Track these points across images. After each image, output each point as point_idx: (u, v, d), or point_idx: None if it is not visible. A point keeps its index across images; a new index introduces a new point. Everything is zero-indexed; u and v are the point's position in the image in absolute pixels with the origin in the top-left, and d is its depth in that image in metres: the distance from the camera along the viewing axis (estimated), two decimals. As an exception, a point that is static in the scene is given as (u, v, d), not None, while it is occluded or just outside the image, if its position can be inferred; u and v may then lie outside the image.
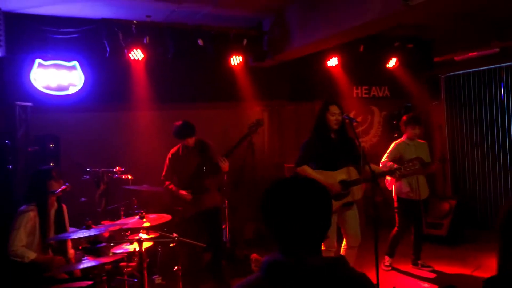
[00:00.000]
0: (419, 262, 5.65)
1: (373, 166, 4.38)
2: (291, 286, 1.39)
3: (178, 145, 5.18)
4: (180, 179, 5.09)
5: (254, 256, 5.84)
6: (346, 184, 4.42)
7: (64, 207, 4.23)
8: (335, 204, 4.35)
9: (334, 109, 4.47)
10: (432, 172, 6.03)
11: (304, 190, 1.51)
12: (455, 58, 7.66)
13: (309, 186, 1.52)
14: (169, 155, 5.16)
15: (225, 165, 4.93)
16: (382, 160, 5.49)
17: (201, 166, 5.04)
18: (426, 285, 5.14)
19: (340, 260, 1.46)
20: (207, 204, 5.03)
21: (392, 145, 5.68)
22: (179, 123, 5.02)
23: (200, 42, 6.22)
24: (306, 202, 1.48)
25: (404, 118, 5.71)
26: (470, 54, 7.38)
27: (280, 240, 1.49)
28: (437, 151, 8.28)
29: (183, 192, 4.96)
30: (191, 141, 5.03)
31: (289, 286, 1.39)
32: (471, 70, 7.77)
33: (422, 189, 5.53)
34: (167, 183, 5.08)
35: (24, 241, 3.78)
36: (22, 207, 3.91)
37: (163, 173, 5.13)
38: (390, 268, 5.67)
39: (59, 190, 3.98)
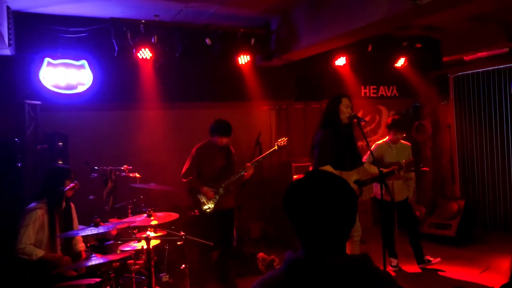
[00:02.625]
0: (424, 259, 5.61)
1: (373, 167, 4.38)
2: (315, 285, 1.36)
3: (205, 141, 5.20)
4: (201, 176, 5.13)
5: (261, 255, 5.85)
6: (359, 184, 4.40)
7: (72, 205, 4.25)
8: None
9: (346, 101, 4.42)
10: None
11: (331, 186, 1.45)
12: (464, 58, 7.61)
13: (336, 183, 1.47)
14: (194, 149, 5.18)
15: (250, 172, 5.01)
16: (364, 157, 5.40)
17: (225, 168, 5.12)
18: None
19: (365, 258, 1.42)
20: (224, 205, 5.09)
21: (374, 145, 5.66)
22: (220, 119, 5.07)
23: (207, 41, 6.23)
24: (332, 199, 1.42)
25: (389, 121, 5.69)
26: (479, 54, 7.34)
27: (303, 237, 1.45)
28: (446, 151, 8.24)
29: (207, 189, 5.00)
30: (225, 141, 5.05)
31: (313, 285, 1.36)
32: (480, 70, 7.71)
33: (398, 191, 5.48)
34: (190, 177, 5.10)
35: (32, 239, 3.80)
36: (31, 205, 3.93)
37: (186, 167, 5.14)
38: (397, 268, 5.65)
39: (68, 187, 4.00)
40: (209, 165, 5.10)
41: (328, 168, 4.26)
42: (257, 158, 5.15)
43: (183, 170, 5.14)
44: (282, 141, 5.24)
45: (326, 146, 4.34)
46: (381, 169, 4.39)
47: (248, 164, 5.03)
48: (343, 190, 1.46)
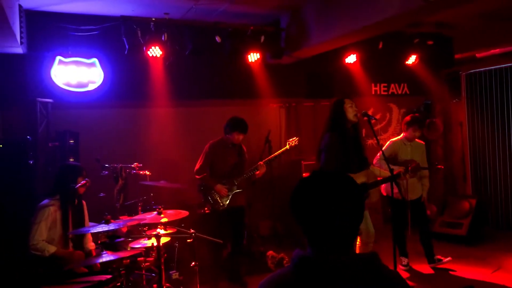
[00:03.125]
0: (435, 258, 5.57)
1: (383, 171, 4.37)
2: (323, 283, 1.36)
3: (218, 139, 5.26)
4: (215, 173, 5.17)
5: (270, 253, 5.85)
6: (365, 187, 4.37)
7: (84, 203, 4.28)
8: None
9: (349, 102, 4.46)
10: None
11: (337, 185, 1.46)
12: (476, 55, 7.53)
13: (342, 182, 1.47)
14: (208, 146, 5.23)
15: (263, 170, 5.09)
16: (377, 155, 5.39)
17: (237, 166, 5.18)
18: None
19: (373, 257, 1.42)
20: (236, 202, 5.15)
21: (388, 142, 5.62)
22: (237, 117, 5.16)
23: (217, 39, 6.23)
24: (339, 197, 1.43)
25: (408, 118, 5.62)
26: (492, 51, 7.25)
27: (310, 236, 1.45)
28: (457, 149, 8.16)
29: (221, 187, 5.04)
30: (241, 137, 5.12)
31: (320, 284, 1.36)
32: (492, 67, 7.63)
33: (411, 190, 5.45)
34: (204, 174, 5.14)
35: (44, 235, 3.83)
36: (44, 202, 3.97)
37: (199, 164, 5.19)
38: (408, 268, 5.62)
39: (79, 184, 4.03)
40: (222, 162, 5.14)
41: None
42: (270, 157, 5.22)
43: (197, 166, 5.18)
44: (293, 141, 5.32)
45: (333, 150, 4.37)
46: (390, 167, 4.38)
47: (260, 162, 5.10)
48: (348, 187, 1.46)
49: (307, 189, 1.48)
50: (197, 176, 5.17)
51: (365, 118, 4.41)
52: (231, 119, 5.16)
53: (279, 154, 5.24)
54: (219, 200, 5.07)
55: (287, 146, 5.25)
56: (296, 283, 1.39)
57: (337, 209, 1.41)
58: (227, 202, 5.08)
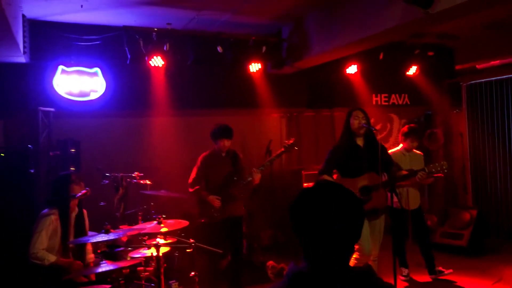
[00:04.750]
0: (436, 270, 5.55)
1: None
2: None
3: (209, 150, 5.17)
4: (209, 185, 5.10)
5: (270, 263, 5.83)
6: (366, 190, 4.37)
7: (85, 212, 4.29)
8: None
9: (357, 113, 4.49)
10: (423, 183, 5.85)
11: (336, 198, 1.45)
12: (477, 66, 7.55)
13: (342, 195, 1.47)
14: (200, 159, 5.14)
15: (257, 177, 4.91)
16: None
17: (232, 175, 5.05)
18: None
19: (368, 270, 1.42)
20: (233, 212, 5.04)
21: (388, 152, 5.63)
22: (219, 123, 5.05)
23: (219, 49, 6.27)
24: (337, 211, 1.42)
25: (405, 129, 5.66)
26: (493, 62, 7.28)
27: (307, 249, 1.45)
28: (458, 160, 8.15)
29: (213, 198, 4.96)
30: (227, 143, 5.00)
31: None
32: (493, 79, 7.65)
33: (412, 199, 5.46)
34: (196, 187, 5.05)
35: (45, 244, 3.83)
36: (44, 211, 3.98)
37: (193, 177, 5.09)
38: (408, 278, 5.59)
39: (80, 194, 4.04)
40: (215, 173, 5.05)
41: (325, 177, 4.44)
42: (263, 162, 5.05)
43: (190, 180, 5.10)
44: (289, 141, 5.09)
45: (330, 156, 4.52)
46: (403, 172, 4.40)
47: (254, 169, 4.90)
48: (348, 202, 1.46)
49: (306, 201, 1.48)
50: (190, 190, 5.08)
51: (362, 130, 4.47)
52: (214, 127, 5.04)
53: (275, 158, 5.09)
54: (213, 211, 5.00)
55: (283, 148, 5.08)
56: None
57: (335, 223, 1.42)
58: (222, 213, 5.00)
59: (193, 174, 5.11)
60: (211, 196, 4.95)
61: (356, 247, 4.31)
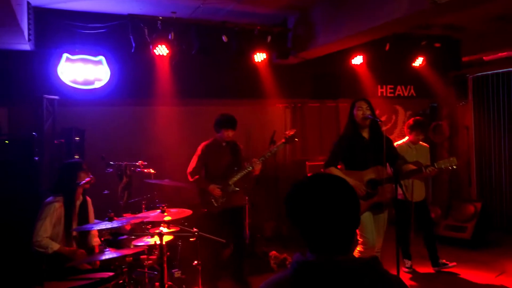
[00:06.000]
0: (439, 262, 5.55)
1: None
2: (322, 286, 1.36)
3: (210, 139, 5.15)
4: (209, 174, 5.08)
5: (273, 253, 5.85)
6: (374, 184, 4.34)
7: (89, 200, 4.30)
8: (363, 204, 4.25)
9: (360, 103, 4.38)
10: (429, 177, 5.79)
11: (330, 188, 1.46)
12: (484, 58, 7.48)
13: (335, 184, 1.47)
14: (201, 148, 5.11)
15: (258, 167, 4.90)
16: None
17: (232, 165, 5.04)
18: None
19: (373, 261, 1.42)
20: (234, 202, 5.03)
21: (394, 145, 5.60)
22: (224, 113, 5.03)
23: (224, 38, 6.24)
24: (332, 200, 1.43)
25: (411, 122, 5.63)
26: (500, 54, 7.20)
27: (308, 239, 1.45)
28: (463, 153, 8.11)
29: (214, 187, 4.95)
30: (231, 134, 4.98)
31: (320, 287, 1.36)
32: (500, 71, 7.58)
33: (416, 192, 5.43)
34: (196, 176, 5.04)
35: (49, 232, 3.84)
36: (49, 199, 3.98)
37: (193, 166, 5.06)
38: (411, 270, 5.59)
39: (84, 181, 4.04)
40: (216, 162, 5.04)
41: (332, 169, 4.35)
42: (264, 153, 5.03)
43: (189, 169, 5.07)
44: (289, 132, 5.07)
45: (335, 148, 4.43)
46: (410, 166, 4.37)
47: (254, 159, 4.90)
48: (343, 190, 1.46)
49: (301, 193, 1.48)
50: (190, 179, 5.06)
51: (367, 121, 4.38)
52: (218, 116, 5.01)
53: (275, 149, 5.06)
54: (213, 201, 4.98)
55: (283, 140, 5.04)
56: (296, 287, 1.39)
57: (332, 211, 1.42)
58: (222, 203, 5.00)
59: (192, 163, 5.09)
60: (212, 185, 4.94)
61: (361, 240, 4.31)
